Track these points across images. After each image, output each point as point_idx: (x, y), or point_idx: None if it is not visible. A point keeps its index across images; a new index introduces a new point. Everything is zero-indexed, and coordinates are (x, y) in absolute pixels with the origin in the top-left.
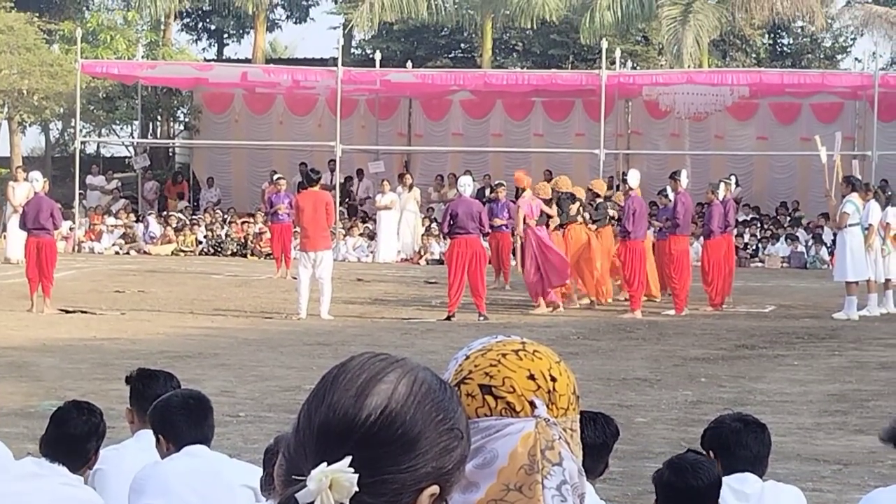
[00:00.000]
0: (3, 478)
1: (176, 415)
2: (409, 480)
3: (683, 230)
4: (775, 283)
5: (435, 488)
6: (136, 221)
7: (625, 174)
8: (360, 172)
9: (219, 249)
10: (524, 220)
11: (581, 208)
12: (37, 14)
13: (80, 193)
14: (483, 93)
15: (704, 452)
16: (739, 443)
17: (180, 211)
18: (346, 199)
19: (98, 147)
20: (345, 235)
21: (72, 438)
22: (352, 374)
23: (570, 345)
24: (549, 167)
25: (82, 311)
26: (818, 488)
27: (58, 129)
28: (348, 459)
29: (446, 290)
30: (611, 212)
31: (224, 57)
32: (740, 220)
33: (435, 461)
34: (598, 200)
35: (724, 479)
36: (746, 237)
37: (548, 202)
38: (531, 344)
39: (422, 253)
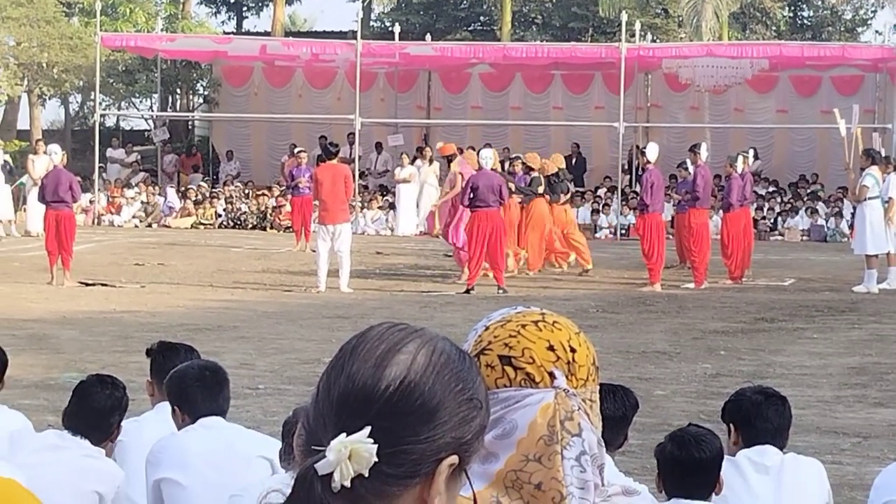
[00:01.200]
0: (25, 449)
1: (191, 386)
2: (428, 451)
3: (703, 203)
4: (795, 257)
5: (454, 458)
6: (156, 195)
7: (643, 148)
8: (378, 146)
9: (238, 222)
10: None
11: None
12: None
13: (99, 166)
14: (502, 66)
15: (725, 424)
16: (760, 415)
17: (192, 186)
18: (366, 174)
19: (118, 120)
20: (363, 208)
21: (95, 412)
22: (371, 345)
23: (589, 318)
24: (569, 140)
25: (102, 284)
26: (838, 461)
27: (77, 102)
28: (367, 430)
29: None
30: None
31: (243, 30)
32: (760, 193)
33: (454, 431)
34: (533, 174)
35: (744, 451)
36: (765, 210)
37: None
38: (550, 315)
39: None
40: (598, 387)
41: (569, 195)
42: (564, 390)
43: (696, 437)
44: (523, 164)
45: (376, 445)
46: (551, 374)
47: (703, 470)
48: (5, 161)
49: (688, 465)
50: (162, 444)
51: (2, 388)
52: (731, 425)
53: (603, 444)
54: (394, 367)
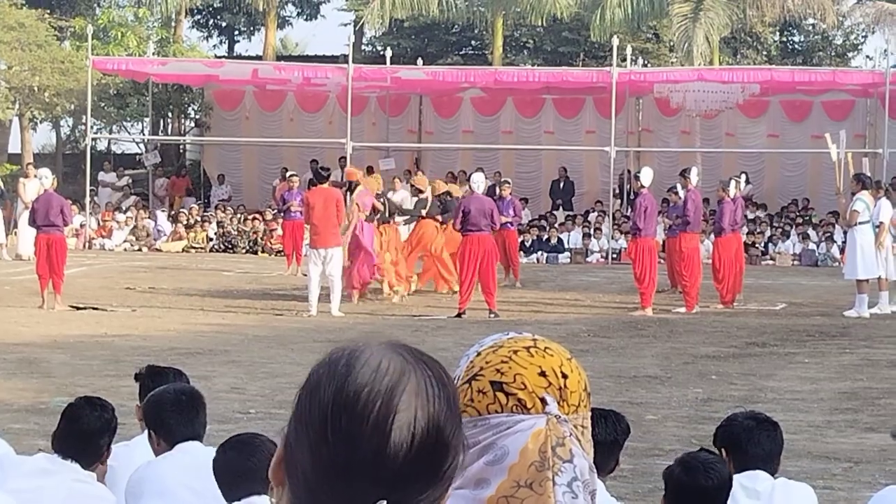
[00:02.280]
0: (15, 474)
1: (167, 411)
2: (438, 493)
3: (694, 227)
4: (786, 281)
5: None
6: (147, 218)
7: (637, 172)
8: (370, 169)
9: (229, 246)
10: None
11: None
12: (48, 11)
13: (90, 190)
14: (494, 90)
15: (716, 450)
16: (752, 440)
17: (184, 209)
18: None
19: (109, 144)
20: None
21: (84, 434)
22: (364, 404)
23: (580, 342)
24: (560, 164)
25: (93, 308)
26: (829, 486)
27: (69, 125)
28: None
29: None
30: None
31: (235, 54)
32: (751, 217)
33: (458, 464)
34: (421, 196)
35: (736, 476)
36: (756, 234)
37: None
38: (542, 341)
39: None
40: (589, 413)
41: None
42: (556, 416)
43: (704, 464)
44: (412, 185)
45: None
46: (543, 400)
47: (708, 498)
48: None
49: (694, 491)
50: (140, 473)
51: None
52: (723, 450)
53: (595, 470)
54: (397, 432)
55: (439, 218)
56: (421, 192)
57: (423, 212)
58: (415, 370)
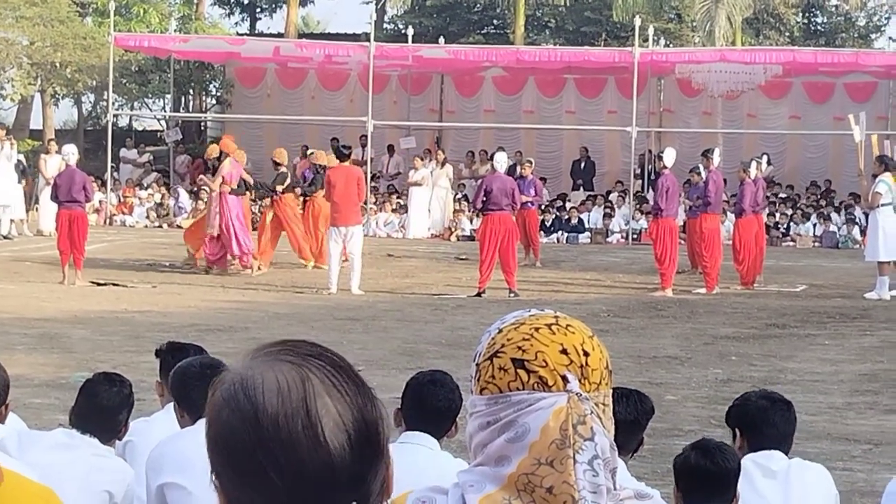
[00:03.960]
0: (34, 448)
1: (192, 384)
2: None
3: (715, 208)
4: (807, 263)
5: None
6: (168, 195)
7: (660, 152)
8: (391, 148)
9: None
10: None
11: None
12: None
13: (111, 166)
14: (515, 69)
15: (730, 430)
16: (766, 421)
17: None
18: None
19: (130, 120)
20: (377, 211)
21: (102, 410)
22: (288, 431)
23: (600, 322)
24: (581, 144)
25: (114, 284)
26: (849, 468)
27: (90, 102)
28: None
29: (477, 267)
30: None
31: (256, 31)
32: (774, 198)
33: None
34: (281, 170)
35: (751, 456)
36: (778, 216)
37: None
38: (564, 318)
39: (452, 229)
40: (611, 391)
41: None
42: (577, 394)
43: (719, 448)
44: (271, 159)
45: None
46: (564, 378)
47: (726, 480)
48: (19, 160)
49: (713, 474)
50: (161, 448)
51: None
52: (737, 430)
53: (616, 448)
54: (333, 438)
55: (298, 191)
56: (279, 164)
57: (280, 187)
58: (310, 369)
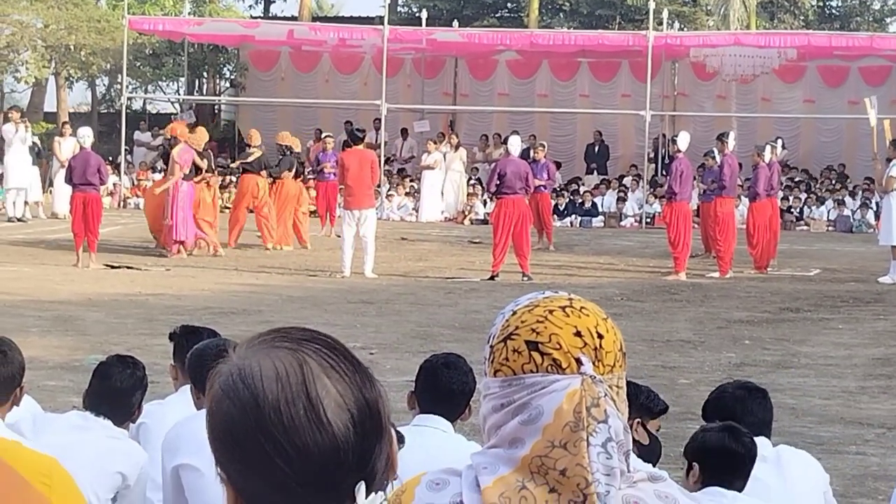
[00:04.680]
0: (49, 430)
1: (209, 366)
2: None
3: (729, 192)
4: (821, 247)
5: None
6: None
7: (674, 136)
8: (404, 132)
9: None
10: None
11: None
12: None
13: (125, 149)
14: (529, 53)
15: (705, 421)
16: (745, 410)
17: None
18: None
19: (144, 103)
20: (388, 195)
21: (115, 392)
22: (290, 416)
23: (613, 306)
24: (595, 128)
25: (127, 267)
26: (862, 451)
27: (104, 85)
28: (362, 486)
29: (490, 251)
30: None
31: (270, 14)
32: (788, 182)
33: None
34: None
35: None
36: (791, 200)
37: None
38: (578, 300)
39: (466, 213)
40: (625, 373)
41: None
42: (591, 377)
43: (743, 431)
44: (277, 144)
45: (380, 494)
46: (578, 361)
47: (751, 463)
48: (34, 143)
49: (741, 456)
50: (177, 430)
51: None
52: (717, 421)
53: (629, 431)
54: (335, 420)
55: (263, 174)
56: (248, 146)
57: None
58: (306, 353)
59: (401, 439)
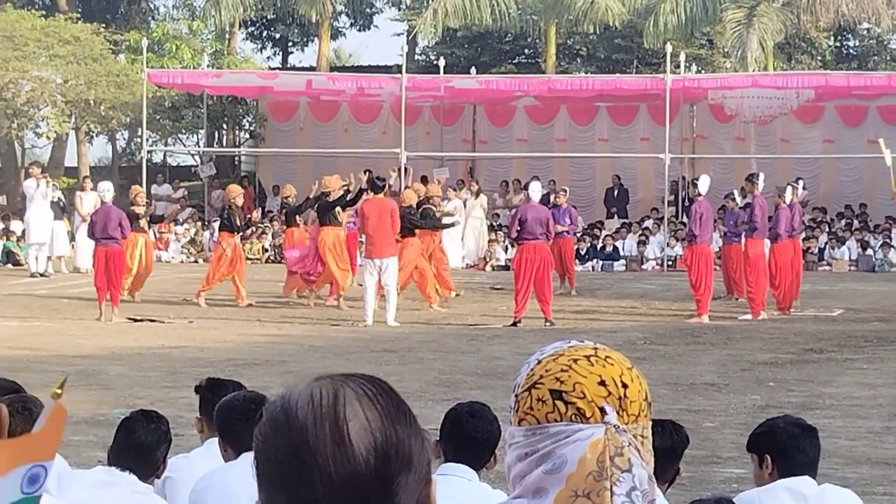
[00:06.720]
0: (75, 486)
1: (235, 418)
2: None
3: (760, 233)
4: (843, 287)
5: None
6: (203, 230)
7: (695, 179)
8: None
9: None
10: None
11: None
12: (103, 25)
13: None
14: (547, 98)
15: (754, 456)
16: (797, 447)
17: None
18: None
19: (164, 156)
20: None
21: (140, 447)
22: (314, 434)
23: (637, 350)
24: (615, 172)
25: (150, 320)
26: (889, 493)
27: (124, 138)
28: None
29: (512, 297)
30: None
31: (289, 65)
32: (810, 223)
33: (425, 446)
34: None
35: (781, 482)
36: (811, 241)
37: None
38: (603, 349)
39: (487, 259)
40: (650, 423)
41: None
42: (615, 426)
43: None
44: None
45: None
46: (602, 410)
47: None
48: (58, 198)
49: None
50: (205, 482)
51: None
52: (768, 456)
53: (654, 480)
54: (358, 442)
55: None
56: (287, 197)
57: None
58: (346, 383)
59: None
